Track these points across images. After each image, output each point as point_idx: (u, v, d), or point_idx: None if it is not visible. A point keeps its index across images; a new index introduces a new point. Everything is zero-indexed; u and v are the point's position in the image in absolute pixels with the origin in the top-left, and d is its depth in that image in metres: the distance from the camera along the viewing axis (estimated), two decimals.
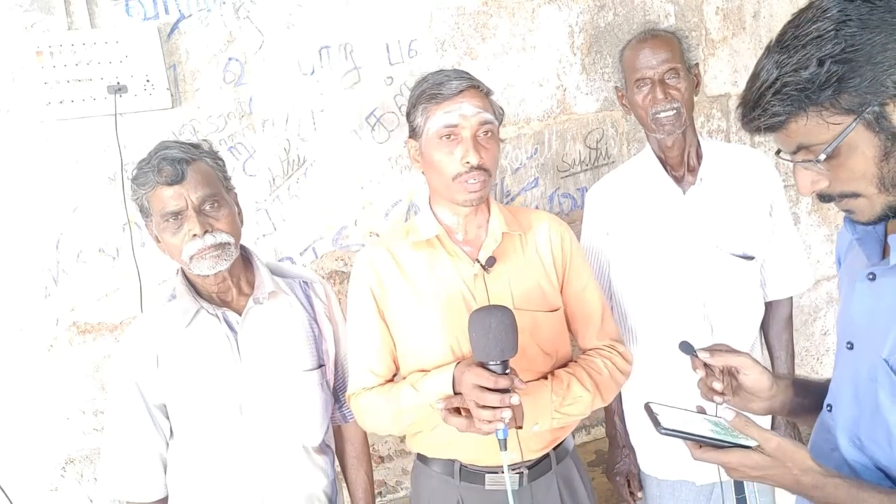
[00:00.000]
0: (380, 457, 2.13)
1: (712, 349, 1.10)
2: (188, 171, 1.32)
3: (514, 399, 1.15)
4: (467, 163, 1.33)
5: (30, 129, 1.74)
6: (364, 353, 1.45)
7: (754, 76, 0.87)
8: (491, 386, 1.16)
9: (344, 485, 1.66)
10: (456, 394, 1.26)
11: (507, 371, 1.18)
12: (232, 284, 1.43)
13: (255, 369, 1.40)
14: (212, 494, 1.41)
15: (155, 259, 1.84)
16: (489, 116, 1.36)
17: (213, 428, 1.39)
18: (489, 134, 1.37)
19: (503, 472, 1.17)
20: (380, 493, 2.14)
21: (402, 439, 2.14)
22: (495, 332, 1.16)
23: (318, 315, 1.51)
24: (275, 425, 1.42)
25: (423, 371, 1.38)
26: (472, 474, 1.44)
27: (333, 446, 1.60)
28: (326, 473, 1.51)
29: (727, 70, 2.34)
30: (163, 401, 1.41)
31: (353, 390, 1.47)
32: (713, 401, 1.09)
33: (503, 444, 1.16)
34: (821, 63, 0.80)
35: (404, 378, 1.43)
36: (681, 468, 1.71)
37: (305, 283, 1.54)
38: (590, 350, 1.50)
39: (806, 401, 1.12)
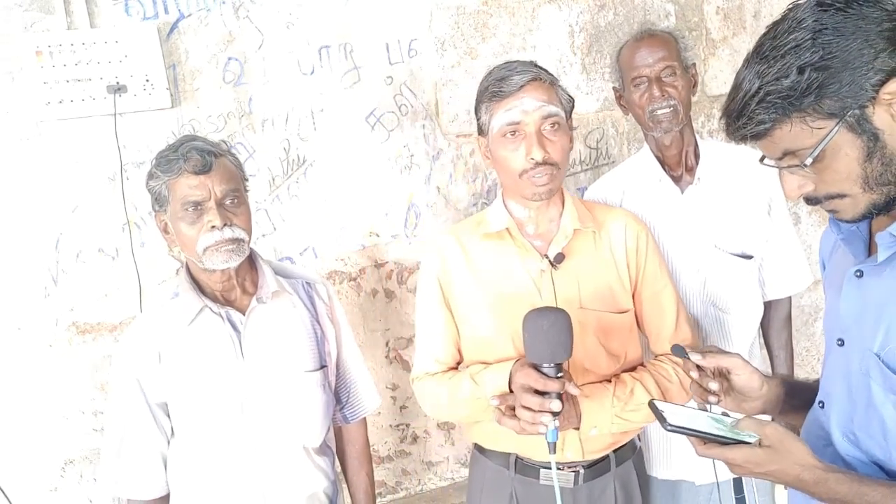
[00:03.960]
0: (379, 457, 2.13)
1: (703, 351, 1.11)
2: (215, 164, 1.34)
3: (555, 405, 1.14)
4: (532, 159, 1.32)
5: (30, 129, 1.74)
6: (429, 340, 1.47)
7: (736, 87, 0.91)
8: (540, 388, 1.16)
9: (345, 485, 1.66)
10: (511, 391, 1.26)
11: (560, 374, 1.17)
12: (237, 283, 1.43)
13: (258, 369, 1.40)
14: (213, 493, 1.41)
15: (154, 259, 1.84)
16: (553, 109, 1.33)
17: (214, 427, 1.39)
18: (555, 126, 1.34)
19: (556, 470, 1.17)
20: (380, 493, 2.14)
21: (402, 440, 2.15)
22: (547, 334, 1.15)
23: (321, 316, 1.51)
24: (276, 425, 1.41)
25: (483, 363, 1.39)
26: (527, 468, 1.44)
27: (334, 447, 1.60)
28: (327, 474, 1.50)
29: (727, 70, 2.34)
30: (164, 399, 1.41)
31: (416, 374, 1.49)
32: (707, 402, 1.10)
33: (551, 448, 1.15)
34: (801, 71, 0.83)
35: (467, 367, 1.43)
36: (680, 468, 1.71)
37: (308, 283, 1.54)
38: (661, 355, 1.47)
39: (797, 399, 1.13)
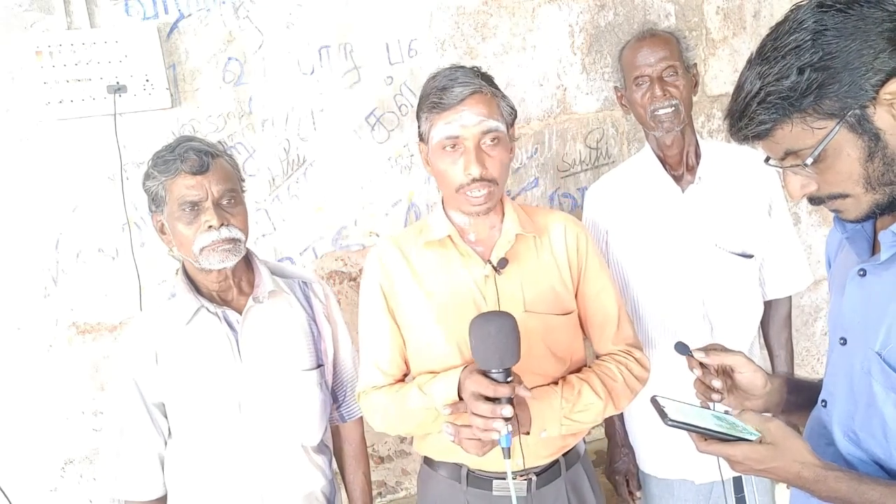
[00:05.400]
0: (379, 457, 2.13)
1: (707, 349, 1.12)
2: (212, 164, 1.34)
3: (506, 411, 1.12)
4: (469, 174, 1.31)
5: (29, 129, 1.74)
6: (373, 351, 1.44)
7: (738, 88, 0.91)
8: (490, 394, 1.14)
9: (342, 484, 1.66)
10: (461, 399, 1.24)
11: (510, 379, 1.15)
12: (233, 283, 1.43)
13: (255, 368, 1.41)
14: (210, 493, 1.41)
15: (154, 259, 1.84)
16: (494, 123, 1.32)
17: (212, 426, 1.40)
18: (495, 141, 1.32)
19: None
20: (379, 493, 2.14)
21: (403, 440, 2.14)
22: (495, 339, 1.13)
23: (317, 315, 1.51)
24: (273, 424, 1.42)
25: (431, 372, 1.37)
26: (479, 480, 1.42)
27: (331, 446, 1.61)
28: (325, 473, 1.51)
29: (727, 70, 2.34)
30: (161, 399, 1.41)
31: (362, 388, 1.46)
32: (710, 400, 1.10)
33: (506, 453, 1.14)
34: (801, 72, 0.83)
35: (413, 378, 1.42)
36: (680, 467, 1.71)
37: (304, 283, 1.54)
38: (605, 355, 1.47)
39: (799, 398, 1.13)
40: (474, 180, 1.31)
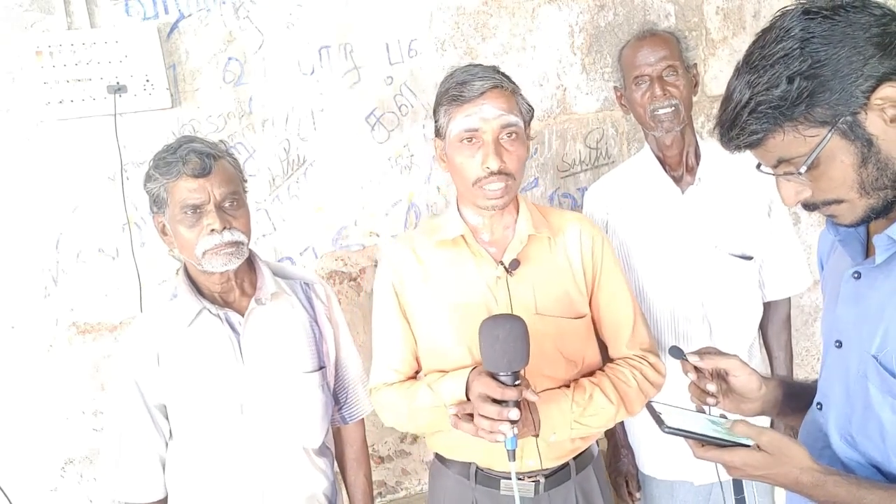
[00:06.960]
0: (379, 457, 2.13)
1: (701, 353, 1.11)
2: (214, 167, 1.33)
3: (513, 414, 1.13)
4: (487, 168, 1.30)
5: (30, 129, 1.74)
6: (385, 350, 1.45)
7: (727, 98, 0.91)
8: (498, 397, 1.14)
9: (343, 486, 1.66)
10: (469, 399, 1.25)
11: (518, 382, 1.15)
12: (235, 285, 1.43)
13: (257, 370, 1.40)
14: (212, 495, 1.41)
15: (155, 259, 1.84)
16: (513, 118, 1.32)
17: (213, 428, 1.39)
18: (513, 136, 1.33)
19: (516, 480, 1.15)
20: (380, 493, 2.14)
21: (403, 439, 2.14)
22: (503, 343, 1.13)
23: (319, 316, 1.51)
24: (275, 426, 1.42)
25: (441, 371, 1.37)
26: (487, 478, 1.43)
27: (333, 448, 1.60)
28: (326, 475, 1.51)
29: (727, 70, 2.33)
30: (162, 401, 1.41)
31: (373, 384, 1.47)
32: (705, 403, 1.10)
33: (511, 455, 1.14)
34: (790, 80, 0.83)
35: (425, 376, 1.42)
36: (679, 468, 1.71)
37: (306, 284, 1.54)
38: (619, 359, 1.46)
39: (795, 401, 1.13)
40: (492, 174, 1.31)
